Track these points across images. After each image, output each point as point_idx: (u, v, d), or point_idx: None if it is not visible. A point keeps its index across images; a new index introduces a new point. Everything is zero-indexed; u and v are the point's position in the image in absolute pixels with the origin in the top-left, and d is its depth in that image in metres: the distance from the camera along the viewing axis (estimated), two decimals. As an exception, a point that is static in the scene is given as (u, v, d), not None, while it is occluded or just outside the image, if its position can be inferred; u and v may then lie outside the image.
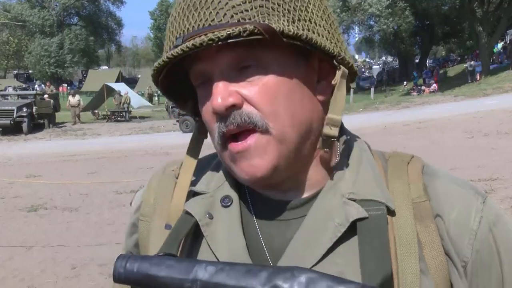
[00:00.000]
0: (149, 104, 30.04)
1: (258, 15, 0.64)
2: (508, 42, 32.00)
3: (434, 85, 28.85)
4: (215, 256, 0.71)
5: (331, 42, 0.69)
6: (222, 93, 0.65)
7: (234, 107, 0.66)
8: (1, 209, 7.92)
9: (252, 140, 0.67)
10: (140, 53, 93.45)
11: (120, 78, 40.48)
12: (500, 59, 32.13)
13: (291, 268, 0.57)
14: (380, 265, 0.63)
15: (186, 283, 0.57)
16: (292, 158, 0.69)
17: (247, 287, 0.55)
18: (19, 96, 21.27)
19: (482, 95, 19.33)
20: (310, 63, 0.70)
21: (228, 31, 0.61)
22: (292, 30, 0.63)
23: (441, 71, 37.32)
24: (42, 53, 49.01)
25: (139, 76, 56.44)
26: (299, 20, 0.66)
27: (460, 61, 42.89)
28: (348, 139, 0.75)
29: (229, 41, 0.62)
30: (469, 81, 27.85)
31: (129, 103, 24.15)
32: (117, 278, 0.61)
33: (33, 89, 26.69)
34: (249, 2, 0.64)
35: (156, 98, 38.01)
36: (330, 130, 0.67)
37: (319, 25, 0.68)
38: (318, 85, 0.71)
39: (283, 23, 0.64)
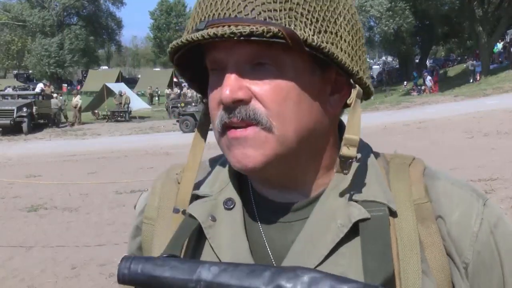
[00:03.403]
0: (146, 106, 29.99)
1: (285, 18, 0.63)
2: (509, 41, 31.96)
3: (430, 84, 28.66)
4: (219, 259, 0.70)
5: (352, 60, 0.68)
6: (232, 85, 0.65)
7: (241, 101, 0.65)
8: (1, 209, 7.93)
9: (252, 131, 0.66)
10: (140, 53, 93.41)
11: (120, 78, 40.47)
12: (500, 59, 32.12)
13: (294, 268, 0.57)
14: (382, 265, 0.63)
15: (190, 283, 0.57)
16: (288, 160, 0.68)
17: (250, 287, 0.56)
18: (19, 96, 21.29)
19: (482, 95, 19.33)
20: (326, 73, 0.69)
21: (251, 28, 0.61)
22: (315, 41, 0.63)
23: (441, 71, 37.27)
24: (43, 53, 48.98)
25: (139, 76, 56.42)
26: (325, 31, 0.65)
27: (460, 61, 42.87)
28: None
29: (251, 38, 0.61)
30: (470, 81, 27.85)
31: (129, 103, 24.16)
32: (122, 279, 0.61)
33: (34, 89, 26.57)
34: (280, 3, 0.63)
35: (157, 98, 38.03)
36: (348, 150, 0.66)
37: (344, 40, 0.67)
38: (331, 97, 0.71)
39: (308, 32, 0.63)
